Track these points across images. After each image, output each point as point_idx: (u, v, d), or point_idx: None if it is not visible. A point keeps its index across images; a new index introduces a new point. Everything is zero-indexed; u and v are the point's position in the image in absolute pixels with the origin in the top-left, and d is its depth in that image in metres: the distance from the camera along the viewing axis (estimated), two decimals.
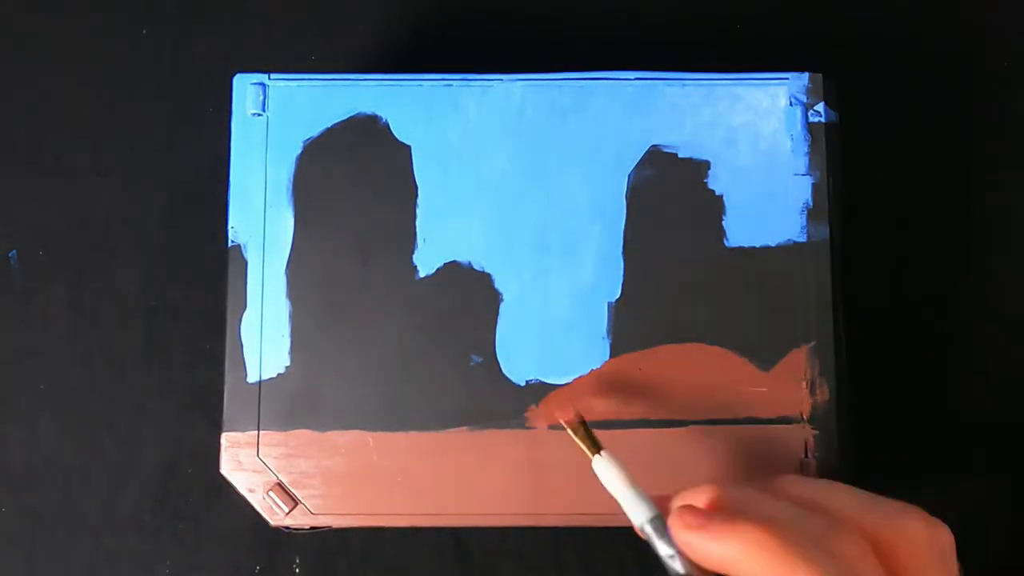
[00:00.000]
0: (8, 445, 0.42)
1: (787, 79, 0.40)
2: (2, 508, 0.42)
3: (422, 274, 0.39)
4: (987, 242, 0.44)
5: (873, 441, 0.42)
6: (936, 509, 0.43)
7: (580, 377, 0.38)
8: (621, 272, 0.39)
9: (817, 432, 0.37)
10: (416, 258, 0.39)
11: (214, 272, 0.41)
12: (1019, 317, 0.43)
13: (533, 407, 0.38)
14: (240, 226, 0.39)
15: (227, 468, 0.37)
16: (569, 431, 0.35)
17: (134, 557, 0.41)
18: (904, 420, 0.43)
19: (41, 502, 0.42)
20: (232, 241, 0.39)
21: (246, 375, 0.38)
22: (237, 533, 0.41)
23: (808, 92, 0.39)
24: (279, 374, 0.38)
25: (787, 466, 0.37)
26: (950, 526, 0.42)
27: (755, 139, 0.39)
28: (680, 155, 0.39)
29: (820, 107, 0.39)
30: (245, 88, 0.39)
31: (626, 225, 0.39)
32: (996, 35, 0.45)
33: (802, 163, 0.39)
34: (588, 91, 0.39)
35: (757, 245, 0.39)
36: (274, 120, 0.39)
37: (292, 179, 0.39)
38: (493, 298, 0.38)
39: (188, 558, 0.41)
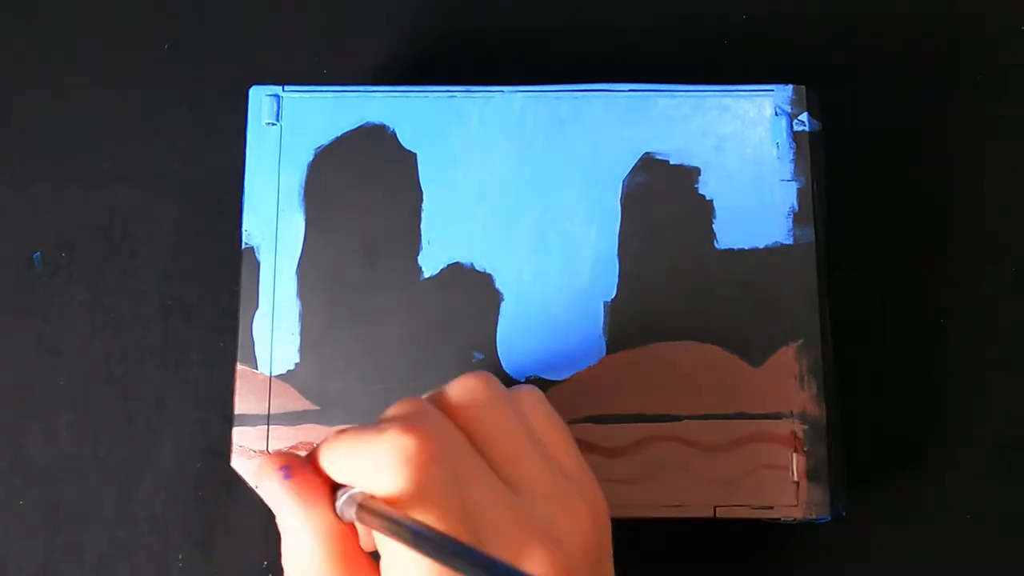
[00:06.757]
0: (28, 439, 0.43)
1: (772, 91, 0.41)
2: (20, 501, 0.42)
3: (426, 275, 0.40)
4: (971, 243, 0.45)
5: (863, 435, 0.42)
6: (927, 503, 0.43)
7: (577, 373, 0.39)
8: (616, 273, 0.39)
9: (806, 426, 0.38)
10: (421, 259, 0.40)
11: (228, 273, 0.42)
12: (1005, 316, 0.44)
13: None
14: (254, 229, 0.40)
15: (238, 462, 0.38)
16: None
17: (148, 550, 0.42)
18: (893, 416, 0.43)
19: (59, 495, 0.42)
20: (246, 243, 0.40)
21: (257, 372, 0.38)
22: (246, 527, 0.42)
23: (792, 103, 0.41)
24: (289, 371, 0.38)
25: (778, 459, 0.38)
26: (941, 521, 0.42)
27: (743, 147, 0.40)
28: (672, 162, 0.40)
29: (804, 117, 0.41)
30: (261, 99, 0.41)
31: (621, 228, 0.40)
32: (974, 46, 0.47)
33: (788, 169, 0.40)
34: (584, 102, 0.41)
35: (746, 247, 0.40)
36: (287, 129, 0.40)
37: (304, 185, 0.40)
38: (494, 298, 0.39)
39: (200, 552, 0.42)
